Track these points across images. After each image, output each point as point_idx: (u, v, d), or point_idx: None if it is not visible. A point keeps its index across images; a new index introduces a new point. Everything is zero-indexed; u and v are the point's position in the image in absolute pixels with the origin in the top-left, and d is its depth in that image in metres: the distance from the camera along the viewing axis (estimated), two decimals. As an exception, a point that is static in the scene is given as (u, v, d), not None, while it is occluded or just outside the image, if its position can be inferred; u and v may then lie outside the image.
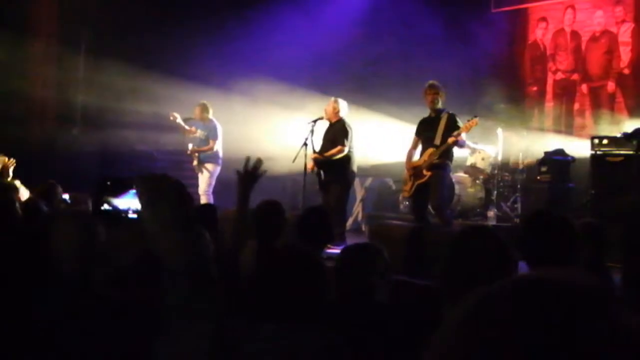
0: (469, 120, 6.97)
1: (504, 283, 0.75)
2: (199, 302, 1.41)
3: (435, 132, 7.01)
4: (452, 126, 6.94)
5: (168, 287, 1.42)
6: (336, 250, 6.37)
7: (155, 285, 1.52)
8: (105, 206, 2.91)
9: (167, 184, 1.52)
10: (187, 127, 9.24)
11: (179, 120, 9.20)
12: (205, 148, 9.25)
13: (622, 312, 0.71)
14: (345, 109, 7.84)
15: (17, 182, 6.25)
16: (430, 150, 7.01)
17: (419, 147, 7.33)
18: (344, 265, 2.61)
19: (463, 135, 7.01)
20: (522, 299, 0.73)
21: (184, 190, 1.54)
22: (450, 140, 6.82)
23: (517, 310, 0.72)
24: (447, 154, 7.05)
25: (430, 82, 7.31)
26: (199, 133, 9.38)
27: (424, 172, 7.00)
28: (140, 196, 1.50)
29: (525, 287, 0.74)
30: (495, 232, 2.18)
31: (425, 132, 7.19)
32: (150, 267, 1.78)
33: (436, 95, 7.10)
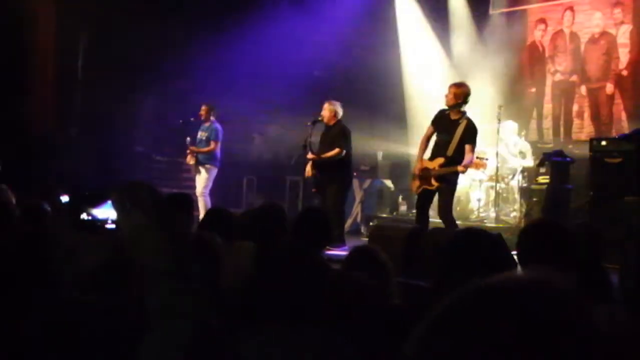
0: (479, 159, 6.69)
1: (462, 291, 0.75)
2: (180, 303, 1.43)
3: (450, 138, 6.62)
4: (467, 137, 6.57)
5: (148, 289, 1.45)
6: (335, 252, 6.40)
7: (128, 287, 1.56)
8: (84, 216, 2.97)
9: (139, 189, 1.56)
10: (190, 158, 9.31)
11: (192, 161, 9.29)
12: (205, 149, 9.24)
13: (589, 312, 0.71)
14: (341, 111, 7.82)
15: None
16: (441, 160, 6.66)
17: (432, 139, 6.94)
18: (351, 266, 2.62)
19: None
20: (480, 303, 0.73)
21: (158, 194, 1.59)
22: (460, 169, 6.53)
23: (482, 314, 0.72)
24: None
25: (457, 81, 6.97)
26: (200, 134, 9.39)
27: (433, 181, 6.67)
28: (115, 205, 1.55)
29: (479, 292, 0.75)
30: (493, 234, 2.19)
31: (441, 132, 6.76)
32: (122, 270, 1.80)
33: (453, 96, 6.62)
